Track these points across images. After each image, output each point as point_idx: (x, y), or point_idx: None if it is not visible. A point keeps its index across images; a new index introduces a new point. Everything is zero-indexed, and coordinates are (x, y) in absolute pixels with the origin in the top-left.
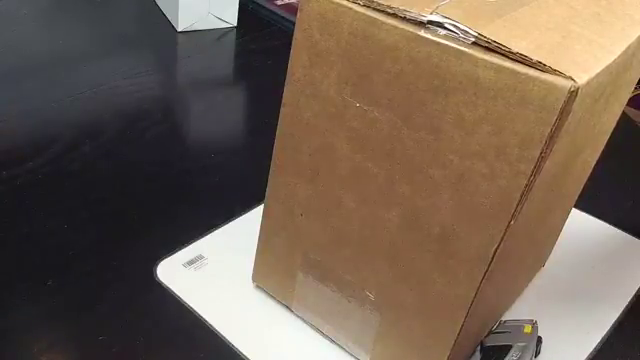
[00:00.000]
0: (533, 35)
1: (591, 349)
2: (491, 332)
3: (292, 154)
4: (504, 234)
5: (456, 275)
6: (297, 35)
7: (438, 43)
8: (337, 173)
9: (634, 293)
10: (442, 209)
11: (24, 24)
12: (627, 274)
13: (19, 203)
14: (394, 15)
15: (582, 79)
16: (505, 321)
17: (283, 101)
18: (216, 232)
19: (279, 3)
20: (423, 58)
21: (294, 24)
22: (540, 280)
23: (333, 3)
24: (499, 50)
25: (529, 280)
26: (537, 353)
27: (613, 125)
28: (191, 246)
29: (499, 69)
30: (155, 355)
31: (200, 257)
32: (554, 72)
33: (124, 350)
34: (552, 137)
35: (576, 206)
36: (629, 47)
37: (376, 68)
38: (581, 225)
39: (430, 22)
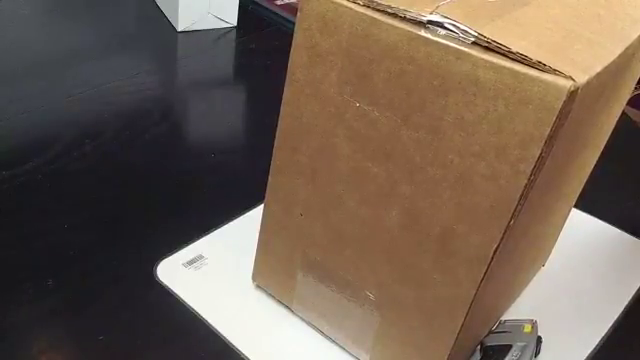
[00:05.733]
0: (533, 35)
1: (591, 349)
2: (491, 332)
3: (292, 154)
4: (504, 234)
5: (456, 275)
6: (297, 35)
7: (438, 43)
8: (337, 173)
9: (634, 293)
10: (442, 209)
11: (24, 24)
12: (627, 274)
13: (19, 203)
14: (394, 15)
15: (582, 79)
16: (505, 321)
17: (283, 101)
18: (216, 232)
19: (279, 3)
20: (423, 58)
21: (294, 24)
22: (540, 280)
23: (333, 3)
24: (499, 50)
25: (529, 280)
26: (537, 353)
27: (613, 125)
28: (191, 246)
29: (499, 69)
30: (155, 355)
31: (200, 257)
32: (554, 72)
33: (124, 350)
34: (552, 137)
35: (576, 206)
36: (629, 47)
37: (376, 68)
38: (581, 225)
39: (430, 22)
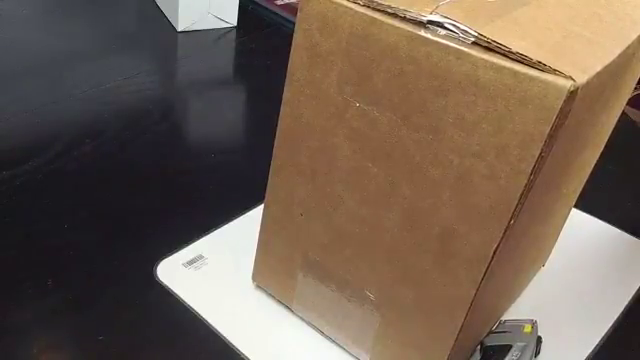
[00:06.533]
0: (533, 35)
1: (591, 349)
2: (491, 332)
3: (292, 154)
4: (504, 234)
5: (456, 275)
6: (297, 35)
7: (438, 43)
8: (337, 173)
9: (634, 293)
10: (442, 209)
11: (24, 24)
12: (627, 274)
13: (19, 203)
14: (394, 15)
15: (582, 79)
16: (505, 321)
17: (283, 101)
18: (216, 232)
19: (279, 3)
20: (423, 58)
21: (294, 24)
22: (540, 280)
23: (333, 3)
24: (499, 50)
25: (529, 280)
26: (537, 353)
27: (613, 125)
28: (191, 246)
29: (499, 69)
30: (155, 355)
31: (200, 257)
32: (554, 72)
33: (124, 350)
34: (552, 137)
35: (576, 206)
36: (629, 47)
37: (376, 68)
38: (581, 225)
39: (430, 22)
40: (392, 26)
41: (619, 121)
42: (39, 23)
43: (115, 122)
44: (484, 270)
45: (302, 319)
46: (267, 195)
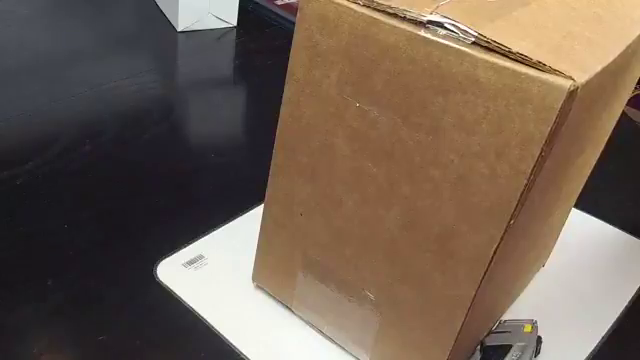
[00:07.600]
0: (533, 35)
1: (591, 349)
2: (491, 332)
3: (292, 154)
4: (504, 234)
5: (456, 275)
6: (297, 35)
7: (438, 43)
8: (337, 173)
9: (634, 293)
10: (442, 209)
11: (24, 24)
12: (627, 274)
13: (19, 203)
14: (394, 15)
15: (582, 79)
16: (505, 321)
17: (283, 101)
18: (216, 232)
19: (279, 3)
20: (423, 58)
21: (294, 24)
22: (540, 280)
23: (333, 3)
24: (499, 50)
25: (529, 280)
26: (537, 353)
27: (613, 125)
28: (191, 246)
29: (499, 69)
30: (155, 355)
31: (200, 257)
32: (554, 72)
33: (124, 350)
34: (552, 137)
35: (576, 206)
36: (629, 47)
37: (376, 68)
38: (581, 225)
39: (430, 22)
40: (392, 26)
41: (619, 121)
42: (39, 23)
43: (115, 122)
44: (484, 270)
45: (302, 319)
46: (267, 195)
